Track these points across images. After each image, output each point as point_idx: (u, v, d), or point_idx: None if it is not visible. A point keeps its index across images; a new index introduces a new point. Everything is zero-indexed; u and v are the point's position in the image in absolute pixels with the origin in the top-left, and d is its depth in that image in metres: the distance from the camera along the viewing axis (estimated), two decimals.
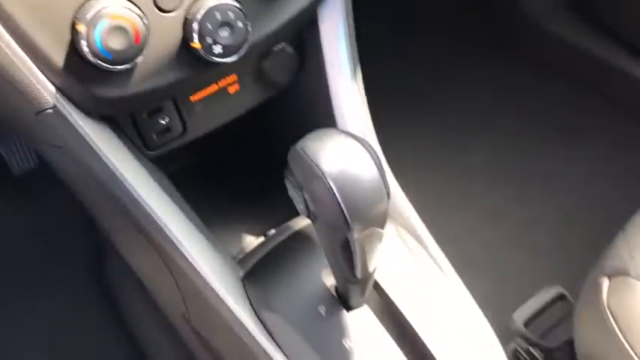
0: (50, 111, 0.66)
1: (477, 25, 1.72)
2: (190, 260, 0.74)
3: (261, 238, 0.93)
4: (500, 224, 1.43)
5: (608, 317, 0.76)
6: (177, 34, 0.68)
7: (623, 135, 1.54)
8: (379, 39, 1.52)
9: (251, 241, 0.94)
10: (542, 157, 1.55)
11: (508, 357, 1.04)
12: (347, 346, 0.76)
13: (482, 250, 1.39)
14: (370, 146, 0.61)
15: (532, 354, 1.03)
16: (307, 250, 0.84)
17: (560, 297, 1.04)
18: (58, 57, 0.63)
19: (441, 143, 1.56)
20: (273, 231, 0.92)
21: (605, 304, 0.77)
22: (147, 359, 1.21)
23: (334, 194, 0.58)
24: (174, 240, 0.73)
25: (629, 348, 0.72)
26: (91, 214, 1.04)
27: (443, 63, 1.68)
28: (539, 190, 1.49)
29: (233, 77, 0.82)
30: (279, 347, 0.76)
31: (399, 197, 0.88)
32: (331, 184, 0.58)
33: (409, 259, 0.84)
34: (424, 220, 0.90)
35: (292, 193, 0.63)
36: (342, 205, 0.58)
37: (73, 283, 1.29)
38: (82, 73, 0.65)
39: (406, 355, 0.78)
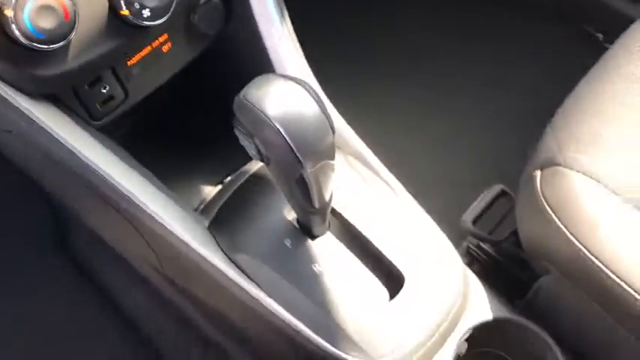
0: None
1: None
2: (159, 220, 0.77)
3: (219, 187, 0.97)
4: (439, 135, 1.49)
5: (543, 204, 0.83)
6: (104, 3, 0.69)
7: (547, 36, 1.60)
8: None
9: (210, 191, 0.98)
10: (473, 64, 1.60)
11: (462, 254, 1.14)
12: (316, 270, 0.82)
13: (425, 160, 1.45)
14: (309, 85, 0.65)
15: (482, 248, 1.12)
16: (265, 190, 0.89)
17: (503, 193, 1.12)
18: None
19: (376, 70, 1.59)
20: (229, 178, 0.96)
21: (540, 193, 0.85)
22: (122, 314, 1.25)
23: (283, 136, 0.62)
24: (139, 204, 0.76)
25: (563, 228, 0.80)
26: (47, 191, 1.05)
27: None
28: (472, 98, 1.55)
29: (164, 36, 0.83)
30: (255, 282, 0.81)
31: (343, 128, 0.92)
32: (278, 127, 0.62)
33: (361, 184, 0.89)
34: (369, 146, 0.95)
35: (243, 141, 0.67)
36: (292, 145, 0.62)
37: (41, 259, 1.30)
38: (18, 56, 0.65)
39: (371, 270, 0.85)
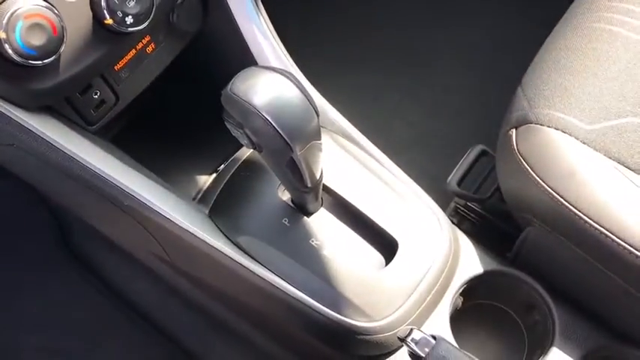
0: None
1: None
2: (162, 212, 0.82)
3: (214, 175, 1.02)
4: (418, 101, 1.53)
5: (520, 161, 0.88)
6: (88, 15, 0.72)
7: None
8: None
9: (205, 180, 1.02)
10: (443, 31, 1.64)
11: (450, 215, 1.19)
12: (314, 244, 0.87)
13: (407, 129, 1.50)
14: (291, 74, 0.69)
15: (470, 207, 1.17)
16: (258, 174, 0.94)
17: (483, 153, 1.17)
18: None
19: (347, 41, 1.62)
20: (222, 166, 1.01)
21: (516, 150, 0.89)
22: (131, 304, 1.29)
23: (271, 124, 0.66)
24: (142, 200, 0.81)
25: (541, 181, 0.85)
26: (48, 196, 1.08)
27: None
28: (447, 62, 1.59)
29: (147, 38, 0.86)
30: (258, 262, 0.86)
31: (327, 109, 0.97)
32: (266, 115, 0.66)
33: (348, 159, 0.94)
34: (352, 120, 1.00)
35: (234, 132, 0.71)
36: (280, 131, 0.67)
37: (47, 257, 1.33)
38: (13, 73, 0.69)
39: (366, 239, 0.90)
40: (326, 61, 1.54)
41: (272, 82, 0.68)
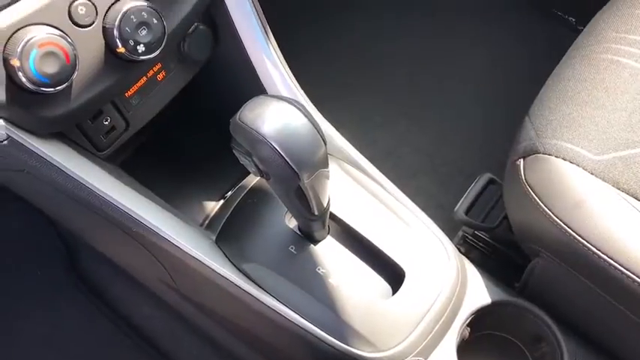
0: (5, 142, 0.71)
1: None
2: (169, 239, 0.82)
3: (221, 202, 1.02)
4: (426, 128, 1.54)
5: (528, 191, 0.88)
6: (100, 43, 0.73)
7: (525, 26, 1.65)
8: None
9: (213, 207, 1.02)
10: (452, 59, 1.65)
11: (458, 243, 1.19)
12: (321, 272, 0.87)
13: (415, 156, 1.50)
14: (299, 103, 0.70)
15: (478, 236, 1.17)
16: (265, 202, 0.94)
17: (491, 181, 1.17)
18: (0, 93, 0.68)
19: (356, 67, 1.64)
20: (230, 193, 1.01)
21: (524, 180, 0.89)
22: (137, 329, 1.29)
23: (279, 153, 0.67)
24: (150, 226, 0.81)
25: (549, 211, 0.85)
26: (57, 221, 1.09)
27: None
28: (456, 90, 1.59)
29: (158, 66, 0.87)
30: (264, 289, 0.86)
31: (335, 136, 0.97)
32: (274, 144, 0.67)
33: (356, 187, 0.94)
34: (359, 147, 1.00)
35: (243, 160, 0.72)
36: (288, 160, 0.67)
37: (55, 281, 1.34)
38: (26, 101, 0.70)
39: (373, 268, 0.90)
40: (334, 86, 1.55)
41: (280, 110, 0.69)
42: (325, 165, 0.73)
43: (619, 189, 0.86)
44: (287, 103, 0.69)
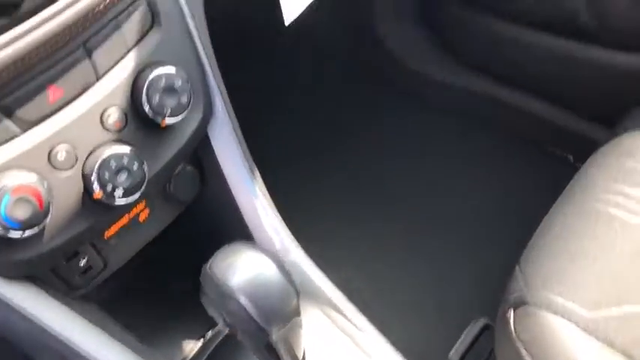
0: None
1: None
2: None
3: (200, 342, 0.98)
4: (416, 265, 1.51)
5: (518, 346, 0.84)
6: (78, 187, 0.73)
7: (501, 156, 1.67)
8: None
9: (192, 347, 0.98)
10: (446, 195, 1.65)
11: None
12: None
13: (404, 294, 1.46)
14: (272, 253, 0.69)
15: None
16: (244, 347, 0.90)
17: (487, 327, 1.13)
18: None
19: (348, 197, 1.65)
20: (210, 332, 0.97)
21: (514, 333, 0.85)
22: None
23: (246, 309, 0.64)
24: None
25: None
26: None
27: None
28: (444, 228, 1.58)
29: (141, 205, 0.87)
30: None
31: (316, 278, 0.94)
32: (242, 300, 0.65)
33: (334, 333, 0.90)
34: (350, 281, 0.97)
35: (210, 311, 0.69)
36: (255, 317, 0.65)
37: None
38: None
39: None
40: (324, 217, 1.54)
41: (252, 262, 0.67)
42: (297, 314, 0.70)
43: (614, 349, 0.81)
44: (259, 253, 0.68)
